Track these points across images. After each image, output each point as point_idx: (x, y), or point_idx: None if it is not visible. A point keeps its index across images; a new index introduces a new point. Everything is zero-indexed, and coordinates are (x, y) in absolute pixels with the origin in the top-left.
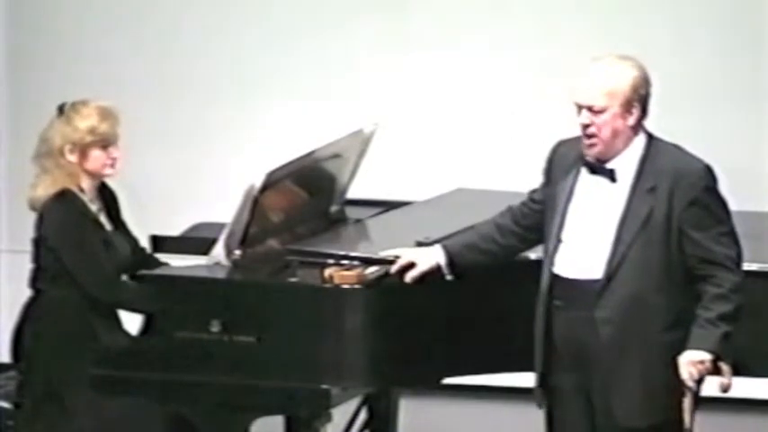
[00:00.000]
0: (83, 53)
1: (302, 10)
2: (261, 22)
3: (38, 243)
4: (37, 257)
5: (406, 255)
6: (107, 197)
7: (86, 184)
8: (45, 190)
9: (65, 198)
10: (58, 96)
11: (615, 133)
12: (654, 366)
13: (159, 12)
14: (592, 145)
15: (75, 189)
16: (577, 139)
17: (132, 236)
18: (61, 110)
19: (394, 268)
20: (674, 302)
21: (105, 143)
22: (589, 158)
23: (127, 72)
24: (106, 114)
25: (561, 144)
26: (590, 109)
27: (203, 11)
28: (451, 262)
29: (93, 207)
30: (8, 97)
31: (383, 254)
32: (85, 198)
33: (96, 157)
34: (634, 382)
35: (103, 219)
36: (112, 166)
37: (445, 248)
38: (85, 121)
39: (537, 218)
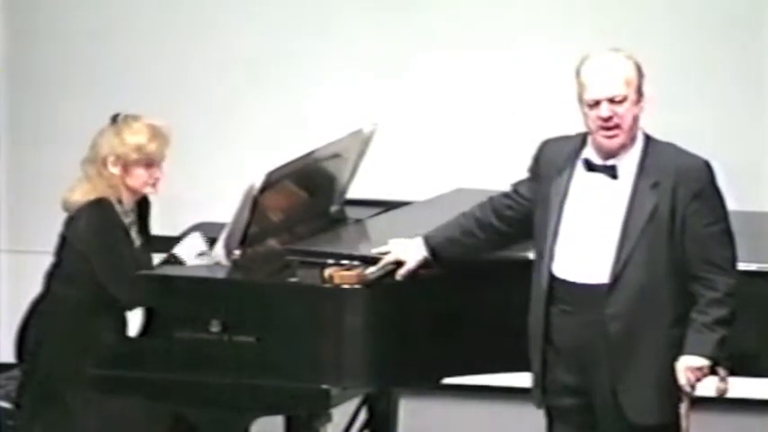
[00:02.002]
0: (83, 55)
1: (302, 10)
2: (260, 23)
3: (63, 239)
4: (59, 254)
5: (393, 252)
6: (143, 211)
7: (125, 197)
8: (82, 195)
9: (100, 206)
10: (58, 98)
11: (634, 121)
12: (663, 362)
13: (157, 13)
14: (614, 136)
15: (112, 200)
16: (565, 138)
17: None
18: (114, 119)
19: (381, 264)
20: (680, 297)
21: (150, 163)
22: (601, 153)
23: (125, 73)
24: (156, 134)
25: (548, 143)
26: (611, 100)
27: (201, 11)
28: (434, 254)
29: (127, 220)
30: (8, 98)
31: (374, 251)
32: (120, 210)
33: (138, 175)
34: (645, 378)
35: (134, 233)
36: (154, 185)
37: (427, 242)
38: (134, 138)
39: (521, 212)
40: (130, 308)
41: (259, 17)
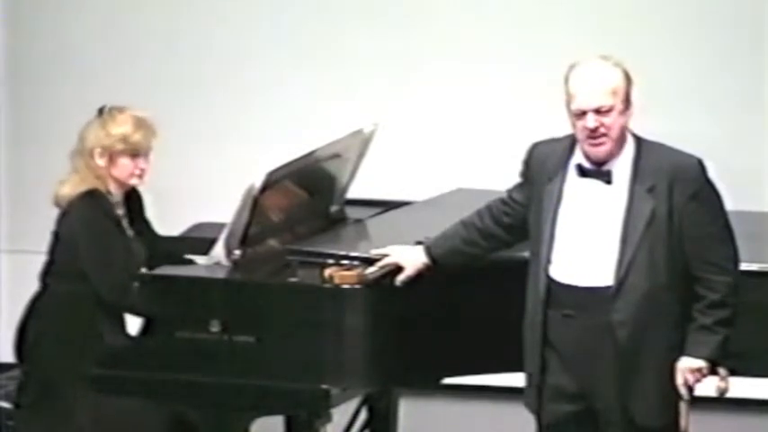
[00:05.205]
0: (83, 54)
1: (303, 11)
2: (262, 24)
3: (56, 237)
4: (52, 251)
5: (393, 255)
6: (133, 202)
7: (114, 188)
8: (72, 188)
9: (92, 197)
10: (58, 97)
11: (621, 131)
12: (668, 364)
13: (160, 13)
14: (600, 144)
15: (102, 190)
16: (554, 140)
17: (156, 234)
18: (101, 112)
19: (379, 264)
20: (682, 299)
21: (135, 153)
22: (591, 160)
23: (126, 72)
24: (141, 124)
25: (537, 146)
26: (597, 111)
27: (205, 11)
28: (435, 263)
29: (118, 212)
30: (8, 98)
31: (373, 252)
32: (112, 200)
33: (124, 166)
34: (651, 381)
35: (125, 224)
36: (140, 176)
37: (429, 252)
38: (119, 128)
39: (518, 217)
40: (114, 306)
41: (261, 18)
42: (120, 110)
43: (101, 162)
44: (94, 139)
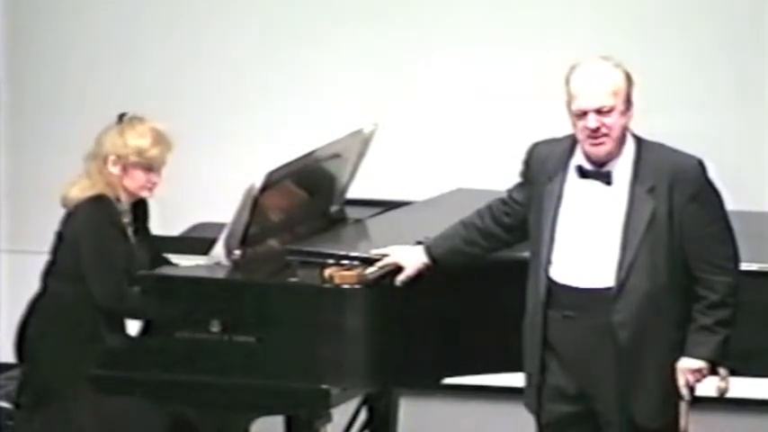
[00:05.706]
0: (82, 55)
1: (302, 11)
2: (261, 23)
3: (60, 237)
4: (55, 252)
5: (393, 255)
6: (139, 210)
7: (123, 197)
8: (81, 191)
9: (100, 202)
10: (58, 98)
11: (622, 131)
12: (668, 365)
13: (158, 14)
14: (600, 144)
15: (111, 197)
16: (554, 140)
17: (154, 245)
18: (120, 118)
19: (379, 264)
20: (682, 299)
21: (149, 167)
22: (591, 160)
23: (126, 73)
24: (159, 139)
25: (537, 146)
26: (599, 111)
27: (202, 12)
28: (435, 263)
29: (125, 219)
30: (8, 99)
31: (373, 252)
32: (119, 208)
33: (137, 178)
34: (652, 382)
35: (130, 232)
36: (150, 189)
37: (429, 252)
38: (137, 141)
39: (518, 218)
40: (117, 315)
41: (260, 18)
42: (141, 120)
43: (114, 170)
44: (111, 146)
